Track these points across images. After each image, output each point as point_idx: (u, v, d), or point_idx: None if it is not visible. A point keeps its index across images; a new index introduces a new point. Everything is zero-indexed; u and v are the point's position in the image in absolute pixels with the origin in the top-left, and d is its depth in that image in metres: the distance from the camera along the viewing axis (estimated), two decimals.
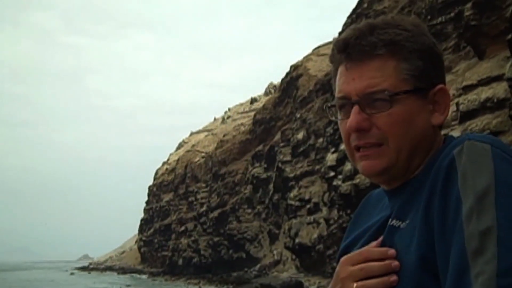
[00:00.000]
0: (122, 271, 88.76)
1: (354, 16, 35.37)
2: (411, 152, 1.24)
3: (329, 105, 1.33)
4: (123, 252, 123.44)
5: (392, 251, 1.21)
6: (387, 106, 1.22)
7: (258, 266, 50.08)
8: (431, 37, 1.30)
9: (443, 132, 1.33)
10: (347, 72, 1.27)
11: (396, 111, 1.22)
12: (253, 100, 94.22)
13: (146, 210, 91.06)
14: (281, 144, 47.37)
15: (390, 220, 1.26)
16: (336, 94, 1.30)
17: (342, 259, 1.27)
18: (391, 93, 1.22)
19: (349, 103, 1.26)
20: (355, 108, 1.24)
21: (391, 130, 1.23)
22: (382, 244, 1.24)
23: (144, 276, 69.33)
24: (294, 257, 43.12)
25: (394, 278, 1.18)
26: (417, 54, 1.25)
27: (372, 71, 1.24)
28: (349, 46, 1.26)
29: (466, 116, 19.30)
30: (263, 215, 52.39)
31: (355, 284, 1.21)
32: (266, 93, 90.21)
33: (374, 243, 1.26)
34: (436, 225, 1.13)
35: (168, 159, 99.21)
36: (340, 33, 39.99)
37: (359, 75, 1.25)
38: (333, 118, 1.33)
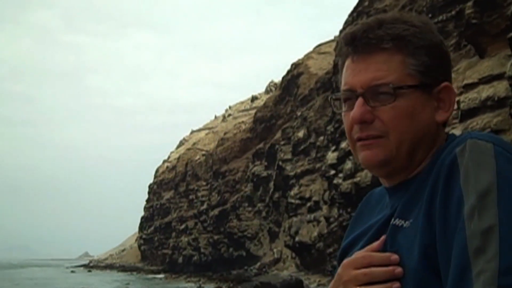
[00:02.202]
0: (123, 269, 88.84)
1: (355, 14, 35.36)
2: (412, 147, 1.24)
3: (333, 97, 1.33)
4: (123, 250, 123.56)
5: (395, 257, 1.19)
6: (391, 99, 1.22)
7: (258, 264, 50.10)
8: (438, 35, 1.30)
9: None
10: (353, 65, 1.27)
11: (400, 105, 1.22)
12: (253, 98, 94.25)
13: (146, 208, 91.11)
14: (282, 142, 47.37)
15: (392, 219, 1.25)
16: (342, 87, 1.30)
17: (344, 261, 1.26)
18: (395, 86, 1.22)
19: (354, 95, 1.27)
20: (359, 100, 1.25)
21: (393, 123, 1.23)
22: (384, 244, 1.23)
23: (160, 276, 66.93)
24: (294, 255, 43.15)
25: (396, 285, 1.18)
26: (423, 50, 1.25)
27: (378, 64, 1.24)
28: (356, 39, 1.27)
29: (467, 114, 19.28)
30: (264, 213, 52.41)
31: None
32: (267, 91, 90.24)
33: (375, 244, 1.24)
34: (437, 224, 1.12)
35: (168, 157, 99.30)
36: (341, 31, 39.96)
37: (365, 67, 1.25)
38: (337, 111, 1.33)
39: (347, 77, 1.28)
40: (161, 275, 66.42)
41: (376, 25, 1.26)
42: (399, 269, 1.18)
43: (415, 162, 1.26)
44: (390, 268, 1.19)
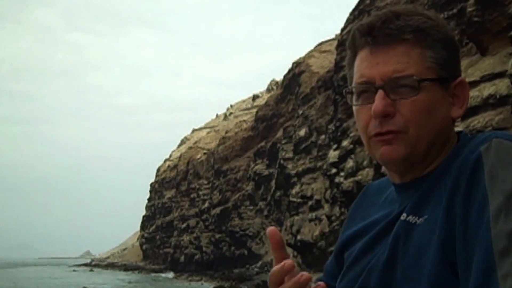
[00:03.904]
0: (124, 268, 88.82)
1: (357, 12, 35.31)
2: (430, 142, 1.21)
3: (347, 90, 1.28)
4: (125, 249, 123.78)
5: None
6: (413, 93, 1.19)
7: (259, 263, 50.14)
8: (450, 29, 1.28)
9: None
10: (371, 57, 1.23)
11: (421, 99, 1.19)
12: (255, 97, 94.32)
13: (148, 207, 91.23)
14: (283, 141, 47.38)
15: (404, 215, 1.22)
16: (357, 79, 1.25)
17: (273, 269, 1.20)
18: (419, 79, 1.19)
19: (372, 88, 1.22)
20: (380, 93, 1.20)
21: (414, 118, 1.19)
22: (396, 240, 1.20)
23: (169, 275, 66.19)
24: (295, 254, 43.16)
25: None
26: (441, 44, 1.22)
27: (398, 56, 1.21)
28: (375, 30, 1.22)
29: (469, 112, 19.25)
30: (265, 212, 52.43)
31: None
32: (268, 89, 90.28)
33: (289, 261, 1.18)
34: (458, 222, 1.10)
35: (170, 156, 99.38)
36: (342, 30, 39.81)
37: (384, 59, 1.21)
38: (351, 103, 1.28)
39: (364, 69, 1.23)
40: (170, 275, 65.90)
41: (393, 16, 1.23)
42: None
43: (430, 159, 1.23)
44: None
